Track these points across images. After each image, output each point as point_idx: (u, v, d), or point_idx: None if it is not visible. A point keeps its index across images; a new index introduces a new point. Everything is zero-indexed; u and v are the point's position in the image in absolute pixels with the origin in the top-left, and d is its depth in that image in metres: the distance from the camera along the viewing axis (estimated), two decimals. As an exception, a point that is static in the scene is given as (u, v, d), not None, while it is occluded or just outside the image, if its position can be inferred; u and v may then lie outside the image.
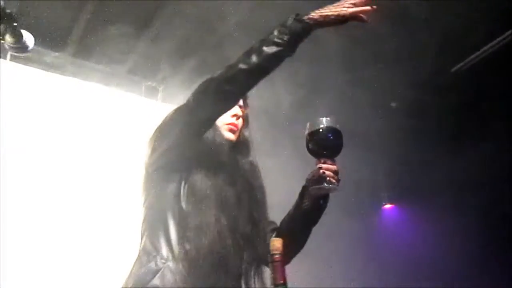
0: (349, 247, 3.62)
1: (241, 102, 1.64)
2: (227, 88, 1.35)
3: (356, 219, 3.64)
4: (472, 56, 3.57)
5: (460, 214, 3.47)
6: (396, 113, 3.91)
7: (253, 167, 1.61)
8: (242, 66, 1.33)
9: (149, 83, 3.59)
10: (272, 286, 0.98)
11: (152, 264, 1.29)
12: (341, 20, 1.34)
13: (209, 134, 1.49)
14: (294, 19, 1.34)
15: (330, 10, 1.34)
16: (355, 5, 1.33)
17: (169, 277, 1.26)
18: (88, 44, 3.11)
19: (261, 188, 1.58)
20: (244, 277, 1.42)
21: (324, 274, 3.41)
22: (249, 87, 1.41)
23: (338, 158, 1.46)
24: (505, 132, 3.29)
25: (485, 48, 3.46)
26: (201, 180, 1.41)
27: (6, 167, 2.66)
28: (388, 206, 4.47)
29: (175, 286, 1.24)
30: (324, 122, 1.44)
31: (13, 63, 2.90)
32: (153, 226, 1.40)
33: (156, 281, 1.25)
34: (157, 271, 1.27)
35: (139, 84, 3.56)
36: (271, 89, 2.69)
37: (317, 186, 1.42)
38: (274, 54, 1.32)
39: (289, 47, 1.33)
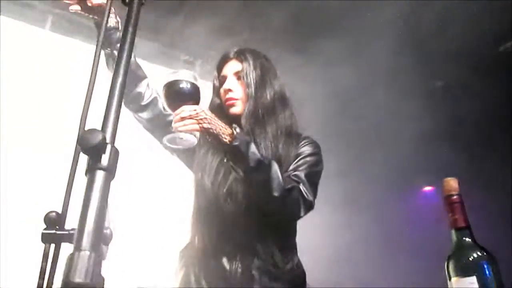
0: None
1: (234, 67, 1.57)
2: None
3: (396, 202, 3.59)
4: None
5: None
6: (440, 93, 3.73)
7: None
8: None
9: (187, 57, 3.57)
10: (452, 231, 0.91)
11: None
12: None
13: None
14: None
15: None
16: None
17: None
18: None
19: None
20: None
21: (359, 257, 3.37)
22: None
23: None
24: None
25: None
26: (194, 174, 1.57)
27: None
28: (428, 188, 4.32)
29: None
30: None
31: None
32: None
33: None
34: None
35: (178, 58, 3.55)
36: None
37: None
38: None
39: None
